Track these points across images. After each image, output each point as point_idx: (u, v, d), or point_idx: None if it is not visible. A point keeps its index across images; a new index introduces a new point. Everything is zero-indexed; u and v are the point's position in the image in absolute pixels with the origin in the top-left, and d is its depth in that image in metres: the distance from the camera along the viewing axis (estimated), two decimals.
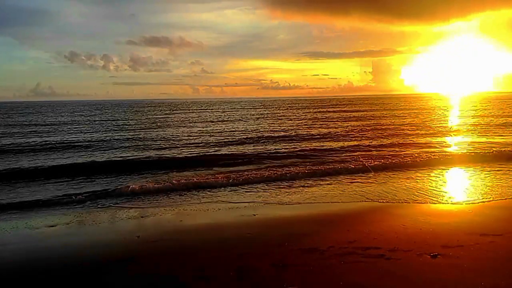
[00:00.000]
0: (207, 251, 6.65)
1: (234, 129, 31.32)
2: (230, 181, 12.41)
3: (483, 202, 9.56)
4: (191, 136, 26.94)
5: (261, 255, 6.37)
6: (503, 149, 17.76)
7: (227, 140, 23.94)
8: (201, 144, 22.18)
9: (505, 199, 9.73)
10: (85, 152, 19.80)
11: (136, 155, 18.47)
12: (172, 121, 42.61)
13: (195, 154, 18.62)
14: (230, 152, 18.96)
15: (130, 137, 26.37)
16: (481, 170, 13.49)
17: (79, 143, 22.99)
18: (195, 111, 70.27)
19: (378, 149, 19.22)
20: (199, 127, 34.67)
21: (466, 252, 6.16)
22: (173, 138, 25.36)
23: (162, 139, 25.03)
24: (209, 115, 54.17)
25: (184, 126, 35.58)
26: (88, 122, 43.17)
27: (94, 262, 6.36)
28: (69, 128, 35.12)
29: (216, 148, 20.62)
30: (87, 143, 22.94)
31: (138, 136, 27.03)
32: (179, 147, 21.09)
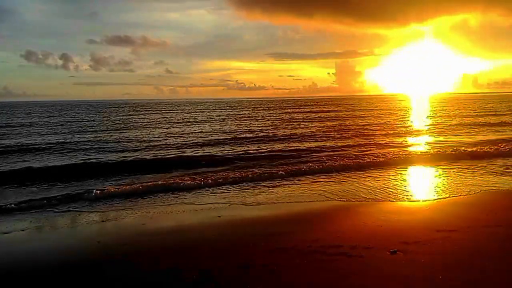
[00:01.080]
0: (169, 255, 6.54)
1: (200, 131, 31.07)
2: (196, 183, 12.27)
3: (439, 199, 9.99)
4: (155, 138, 26.45)
5: (226, 256, 6.35)
6: (459, 148, 18.60)
7: (193, 142, 23.69)
8: (166, 146, 21.83)
9: (459, 196, 10.19)
10: (44, 156, 19.03)
11: (98, 158, 17.93)
12: (135, 123, 41.71)
13: (160, 157, 18.33)
14: (195, 154, 18.82)
15: (92, 139, 25.56)
16: (438, 169, 14.08)
17: (37, 146, 22.05)
18: (159, 112, 69.10)
19: (343, 149, 19.63)
20: (164, 128, 34.13)
21: (423, 247, 6.40)
22: (137, 140, 24.81)
23: (125, 141, 24.45)
24: (175, 116, 53.44)
25: (148, 128, 34.88)
26: (47, 124, 41.51)
27: (49, 269, 6.12)
28: (27, 130, 33.62)
29: (181, 150, 20.38)
30: (45, 146, 22.04)
31: (101, 138, 26.26)
32: (143, 150, 20.67)
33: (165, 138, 26.11)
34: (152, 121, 43.56)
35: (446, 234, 7.00)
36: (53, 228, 8.60)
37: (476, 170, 13.48)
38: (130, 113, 66.19)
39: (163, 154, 18.93)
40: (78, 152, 19.98)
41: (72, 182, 12.97)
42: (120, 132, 30.44)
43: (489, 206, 9.23)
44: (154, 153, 19.26)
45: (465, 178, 12.45)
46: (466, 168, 13.88)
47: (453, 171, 13.52)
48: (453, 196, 10.13)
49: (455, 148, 18.52)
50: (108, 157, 18.20)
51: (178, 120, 45.62)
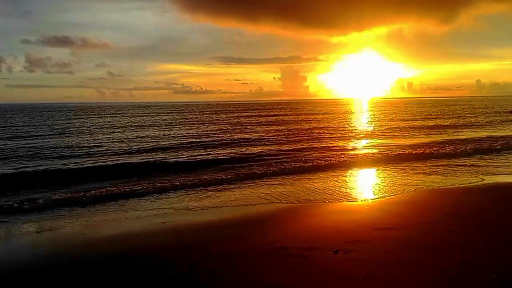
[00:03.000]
0: (109, 265, 6.31)
1: (144, 136, 30.25)
2: (140, 189, 11.93)
3: (378, 199, 10.50)
4: (97, 144, 25.33)
5: (170, 264, 6.23)
6: (395, 150, 19.74)
7: (137, 147, 22.90)
8: (108, 153, 20.96)
9: (396, 195, 10.78)
10: None
11: (35, 166, 16.84)
12: (76, 128, 39.71)
13: (103, 164, 17.51)
14: (140, 160, 18.24)
15: (26, 145, 24.01)
16: (377, 170, 14.84)
17: None
18: (101, 116, 66.46)
19: (288, 153, 19.97)
20: (106, 134, 32.81)
21: (364, 246, 6.67)
22: (77, 146, 23.58)
23: (64, 147, 23.18)
24: (118, 121, 51.64)
25: (89, 133, 33.31)
26: None
27: None
28: None
29: (125, 156, 19.68)
30: None
31: (36, 144, 24.71)
32: (83, 156, 19.67)
33: (108, 144, 25.04)
34: (93, 126, 41.75)
35: (385, 232, 7.35)
36: None
37: (410, 171, 14.33)
38: (69, 117, 63.00)
39: (105, 161, 18.16)
40: (12, 160, 18.66)
41: (7, 192, 12.04)
42: (59, 138, 28.84)
43: (422, 203, 9.85)
44: (95, 160, 18.41)
45: (400, 178, 13.18)
46: (401, 169, 14.71)
47: (390, 172, 14.27)
48: (390, 196, 10.69)
49: (392, 150, 19.62)
50: (46, 165, 17.16)
51: (121, 124, 44.11)
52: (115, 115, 71.44)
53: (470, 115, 51.70)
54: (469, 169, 14.33)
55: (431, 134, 28.55)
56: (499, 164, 15.19)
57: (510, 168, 14.28)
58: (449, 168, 14.67)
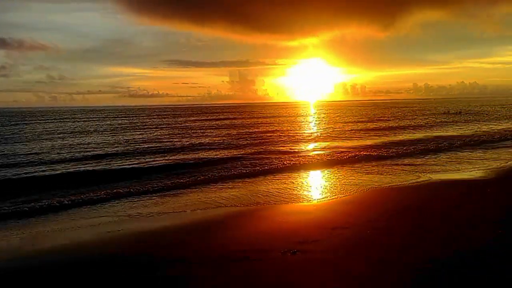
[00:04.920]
0: (59, 276, 5.93)
1: (88, 142, 28.93)
2: (91, 198, 11.40)
3: (332, 199, 10.75)
4: (36, 151, 23.81)
5: (124, 272, 5.96)
6: (347, 152, 20.41)
7: (81, 155, 21.72)
8: (49, 161, 19.72)
9: (348, 195, 11.09)
10: None
11: None
12: (10, 134, 37.10)
13: (45, 173, 16.37)
14: (88, 168, 17.30)
15: None
16: (330, 171, 15.24)
17: None
18: (40, 122, 62.74)
19: (241, 157, 19.91)
20: (47, 140, 30.94)
21: (320, 245, 6.78)
22: (12, 154, 21.97)
23: (10, 155, 21.56)
24: (59, 126, 49.01)
25: (27, 140, 31.19)
26: None
27: None
28: None
29: (71, 164, 18.62)
30: None
31: None
32: (21, 166, 18.34)
33: (47, 152, 23.51)
34: (31, 133, 39.26)
35: (339, 231, 7.53)
36: None
37: (357, 171, 14.86)
38: (3, 123, 58.88)
39: (47, 170, 17.03)
40: None
41: None
42: (3, 145, 26.81)
43: (373, 202, 10.23)
44: (37, 169, 17.19)
45: (348, 179, 13.60)
46: (348, 170, 15.24)
47: (338, 173, 14.71)
48: (343, 196, 10.98)
49: (339, 152, 20.29)
50: None
51: (63, 130, 41.88)
52: (55, 120, 67.81)
53: (409, 117, 54.68)
54: (413, 168, 15.10)
55: (375, 136, 29.81)
56: (434, 163, 16.16)
57: (442, 166, 15.22)
58: (397, 167, 15.36)
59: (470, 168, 14.49)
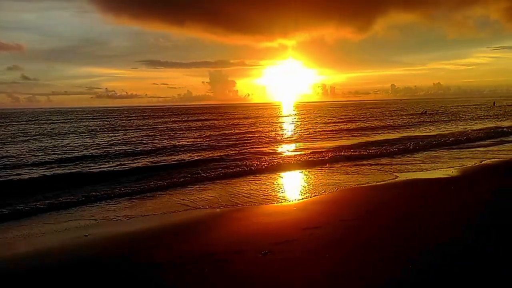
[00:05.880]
0: (22, 285, 5.83)
1: (64, 145, 28.37)
2: (59, 202, 11.14)
3: (304, 199, 10.86)
4: (9, 154, 23.24)
5: (92, 279, 5.89)
6: (321, 152, 20.69)
7: (56, 158, 21.22)
8: (22, 165, 19.28)
9: (321, 194, 11.23)
10: None
11: None
12: None
13: (16, 177, 16.02)
14: (63, 172, 16.96)
15: None
16: (304, 172, 15.41)
17: None
18: (15, 124, 61.15)
19: (219, 158, 19.89)
20: (21, 143, 30.21)
21: (292, 246, 6.85)
22: None
23: None
24: (35, 128, 47.89)
25: (13, 142, 30.37)
26: None
27: None
28: None
29: (43, 167, 18.26)
30: None
31: None
32: (7, 168, 17.84)
33: (21, 154, 23.02)
34: (5, 135, 38.27)
35: (311, 231, 7.62)
36: None
37: (335, 171, 15.08)
38: None
39: (18, 174, 16.66)
40: None
41: None
42: None
43: (345, 202, 10.39)
44: (8, 173, 16.80)
45: (325, 178, 13.78)
46: (326, 170, 15.45)
47: (316, 173, 14.89)
48: (314, 196, 11.11)
49: (318, 152, 20.52)
50: None
51: (38, 132, 40.95)
52: (30, 122, 66.23)
53: (387, 117, 55.66)
54: (385, 167, 15.40)
55: (354, 136, 30.25)
56: (411, 162, 16.52)
57: (419, 166, 15.58)
58: (369, 167, 15.64)
59: (444, 167, 14.86)
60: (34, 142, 30.61)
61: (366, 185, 12.32)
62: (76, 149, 24.89)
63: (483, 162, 15.72)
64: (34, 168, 17.78)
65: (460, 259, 5.88)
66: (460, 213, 8.44)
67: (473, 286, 5.04)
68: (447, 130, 32.03)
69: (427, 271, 5.48)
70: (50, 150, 24.36)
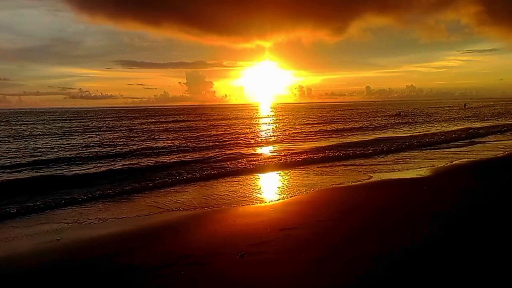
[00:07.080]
0: None
1: (37, 147, 27.61)
2: (29, 206, 10.84)
3: (281, 200, 10.95)
4: None
5: (68, 283, 5.78)
6: (297, 153, 20.86)
7: (27, 160, 20.66)
8: (2, 166, 18.70)
9: (298, 195, 11.34)
10: None
11: None
12: None
13: None
14: (33, 175, 16.53)
15: None
16: (281, 174, 15.54)
17: None
18: None
19: (197, 160, 19.77)
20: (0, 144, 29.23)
21: (268, 247, 6.90)
22: None
23: None
24: (3, 130, 46.41)
25: None
26: None
27: None
28: None
29: (12, 170, 17.74)
30: None
31: None
32: None
33: None
34: None
35: (288, 232, 7.69)
36: None
37: (312, 172, 15.24)
38: None
39: None
40: None
41: None
42: None
43: (321, 202, 10.52)
44: None
45: (302, 179, 13.93)
46: (303, 171, 15.60)
47: (293, 175, 15.03)
48: (292, 197, 11.22)
49: (295, 154, 20.72)
50: None
51: (8, 134, 39.71)
52: (0, 123, 64.16)
53: (363, 119, 56.57)
54: (359, 168, 15.68)
55: (330, 137, 30.64)
56: (385, 163, 16.88)
57: (392, 166, 15.94)
58: (344, 168, 15.89)
59: (416, 168, 15.24)
60: (4, 144, 29.67)
61: (341, 185, 12.52)
62: (49, 151, 24.25)
63: (453, 163, 16.20)
64: (6, 171, 17.25)
65: (429, 251, 6.11)
66: (430, 210, 8.69)
67: (442, 274, 5.21)
68: (420, 132, 32.83)
69: (397, 266, 5.65)
70: (21, 153, 23.65)
